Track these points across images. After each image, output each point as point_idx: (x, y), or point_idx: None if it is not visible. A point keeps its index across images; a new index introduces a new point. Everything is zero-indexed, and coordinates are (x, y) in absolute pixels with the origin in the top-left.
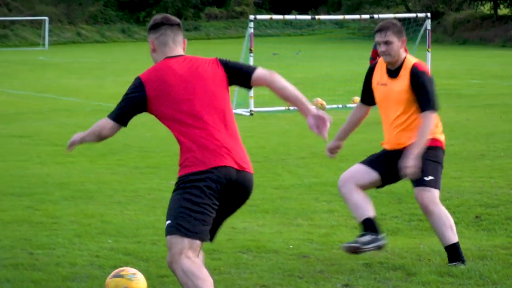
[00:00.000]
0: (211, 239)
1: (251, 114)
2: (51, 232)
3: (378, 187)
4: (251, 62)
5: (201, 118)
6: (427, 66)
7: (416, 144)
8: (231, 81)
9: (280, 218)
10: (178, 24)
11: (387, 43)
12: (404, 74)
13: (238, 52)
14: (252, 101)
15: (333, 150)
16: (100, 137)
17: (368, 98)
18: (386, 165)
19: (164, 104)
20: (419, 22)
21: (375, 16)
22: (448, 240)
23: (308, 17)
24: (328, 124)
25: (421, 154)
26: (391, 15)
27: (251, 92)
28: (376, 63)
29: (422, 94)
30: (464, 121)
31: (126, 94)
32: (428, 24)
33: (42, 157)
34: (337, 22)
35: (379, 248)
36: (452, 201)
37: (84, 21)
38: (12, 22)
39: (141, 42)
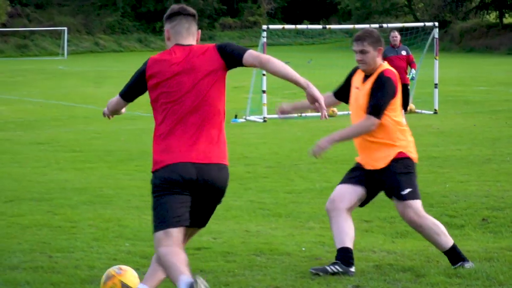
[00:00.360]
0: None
1: (265, 121)
2: (70, 236)
3: (362, 203)
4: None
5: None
6: (397, 75)
7: (340, 132)
8: (228, 66)
9: (292, 221)
10: (193, 15)
11: (362, 52)
12: (372, 79)
13: None
14: (265, 108)
15: (283, 112)
16: (112, 111)
17: (340, 93)
18: (363, 176)
19: (153, 88)
20: (427, 31)
21: (384, 25)
22: (445, 246)
23: (319, 26)
24: (323, 104)
25: (389, 170)
26: (400, 25)
27: (264, 99)
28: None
29: (373, 96)
30: (471, 126)
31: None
32: (435, 33)
33: (60, 163)
34: (347, 31)
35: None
36: (459, 204)
37: (102, 31)
38: (32, 32)
39: (157, 51)
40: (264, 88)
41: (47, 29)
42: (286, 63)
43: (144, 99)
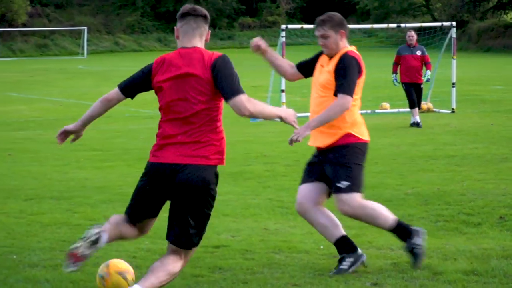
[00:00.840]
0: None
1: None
2: None
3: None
4: None
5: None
6: (360, 57)
7: (317, 118)
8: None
9: None
10: (203, 16)
11: (323, 36)
12: (336, 59)
13: None
14: (284, 107)
15: (258, 48)
16: (104, 103)
17: (304, 67)
18: (318, 170)
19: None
20: (444, 31)
21: (402, 25)
22: (391, 225)
23: None
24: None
25: (332, 155)
26: (418, 24)
27: (283, 98)
28: None
29: (339, 75)
30: (488, 125)
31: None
32: (453, 32)
33: (81, 162)
34: (365, 31)
35: (363, 264)
36: (476, 202)
37: (121, 30)
38: (52, 32)
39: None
40: (283, 87)
41: (67, 29)
42: None
43: None
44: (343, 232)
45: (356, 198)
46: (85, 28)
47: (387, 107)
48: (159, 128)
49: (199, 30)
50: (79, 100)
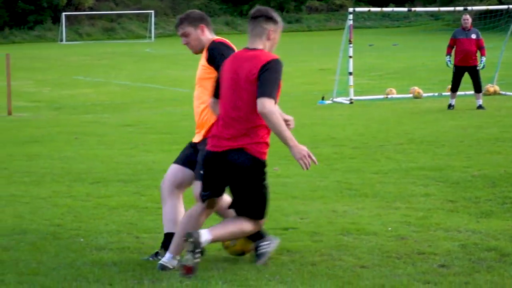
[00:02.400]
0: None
1: (351, 103)
2: (157, 217)
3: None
4: (350, 52)
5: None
6: (228, 41)
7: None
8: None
9: (379, 201)
10: (259, 16)
11: (184, 35)
12: (205, 51)
13: (338, 43)
14: (351, 90)
15: None
16: None
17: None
18: (192, 155)
19: None
20: (511, 14)
21: (469, 8)
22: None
23: (404, 9)
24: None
25: (201, 143)
26: (484, 7)
27: (351, 81)
28: None
29: (216, 64)
30: None
31: None
32: None
33: (147, 145)
34: (432, 14)
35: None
36: None
37: None
38: (119, 16)
39: (244, 35)
40: (351, 70)
41: (134, 12)
42: (370, 45)
43: None
44: (174, 231)
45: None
46: (152, 11)
47: (394, 93)
48: None
49: (256, 31)
50: (146, 83)
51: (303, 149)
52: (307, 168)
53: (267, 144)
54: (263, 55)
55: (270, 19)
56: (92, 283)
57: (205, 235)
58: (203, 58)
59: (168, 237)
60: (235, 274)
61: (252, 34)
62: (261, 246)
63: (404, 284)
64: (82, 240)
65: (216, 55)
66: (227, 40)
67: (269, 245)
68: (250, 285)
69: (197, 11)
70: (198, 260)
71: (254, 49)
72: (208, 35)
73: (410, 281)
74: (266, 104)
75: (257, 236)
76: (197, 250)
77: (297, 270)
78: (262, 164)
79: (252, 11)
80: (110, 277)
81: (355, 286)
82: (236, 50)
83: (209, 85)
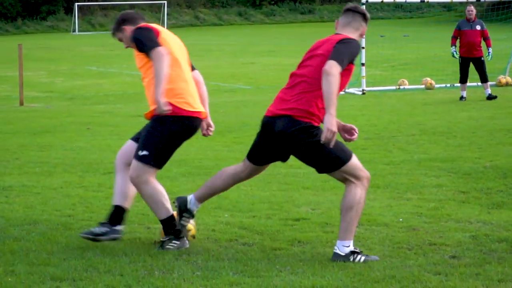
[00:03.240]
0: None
1: (363, 93)
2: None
3: None
4: (362, 43)
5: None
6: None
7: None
8: None
9: (390, 192)
10: (359, 13)
11: (120, 41)
12: (132, 45)
13: None
14: (364, 81)
15: None
16: None
17: None
18: None
19: None
20: None
21: None
22: (160, 216)
23: (417, 0)
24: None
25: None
26: None
27: (363, 72)
28: None
29: (140, 46)
30: None
31: None
32: None
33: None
34: (445, 5)
35: (113, 239)
36: None
37: (202, 4)
38: (132, 6)
39: (257, 25)
40: (363, 61)
41: (147, 3)
42: (381, 36)
43: (244, 72)
44: (126, 204)
45: (150, 171)
46: (165, 2)
47: (406, 83)
48: None
49: (344, 20)
50: None
51: (335, 125)
52: (325, 141)
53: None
54: (345, 34)
55: (366, 20)
56: (103, 274)
57: (340, 248)
58: (133, 50)
59: (117, 209)
60: (245, 265)
61: (347, 25)
62: (172, 241)
63: (415, 275)
64: None
65: (135, 41)
66: (144, 24)
67: (175, 246)
68: (261, 276)
69: (120, 15)
70: (363, 257)
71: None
72: (131, 29)
73: (421, 272)
74: (333, 66)
75: (177, 232)
76: (352, 259)
77: (308, 261)
78: None
79: (352, 5)
80: (121, 267)
81: (366, 277)
82: (155, 28)
83: (148, 68)
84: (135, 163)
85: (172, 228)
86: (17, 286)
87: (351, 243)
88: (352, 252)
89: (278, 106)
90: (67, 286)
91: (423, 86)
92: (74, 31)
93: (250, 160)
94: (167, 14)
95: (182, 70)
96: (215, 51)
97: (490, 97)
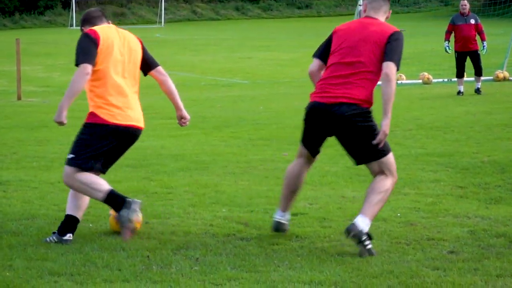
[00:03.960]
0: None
1: None
2: (166, 202)
3: None
4: None
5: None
6: (93, 30)
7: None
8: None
9: None
10: None
11: None
12: None
13: None
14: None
15: None
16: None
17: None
18: None
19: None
20: None
21: None
22: (103, 197)
23: None
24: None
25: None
26: None
27: None
28: None
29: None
30: None
31: None
32: None
33: (157, 130)
34: (442, 0)
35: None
36: None
37: None
38: (129, 1)
39: (254, 20)
40: None
41: None
42: (402, 31)
43: (241, 67)
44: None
45: (71, 172)
46: None
47: (403, 78)
48: None
49: (373, 4)
50: None
51: (388, 129)
52: (377, 142)
53: None
54: (389, 25)
55: (389, 3)
56: (100, 268)
57: (361, 222)
58: None
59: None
60: (243, 260)
61: (380, 9)
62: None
63: (413, 270)
64: (91, 225)
65: (75, 49)
66: (89, 30)
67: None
68: (259, 271)
69: (83, 14)
70: (370, 245)
71: (377, 19)
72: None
73: (419, 267)
74: (393, 69)
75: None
76: (363, 238)
77: (306, 256)
78: None
79: None
80: (118, 262)
81: (364, 272)
82: (98, 36)
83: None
84: (65, 167)
85: (117, 200)
86: (15, 281)
87: (369, 224)
88: (367, 235)
89: (337, 92)
90: (65, 281)
91: (420, 81)
92: (71, 25)
93: (307, 148)
94: (165, 8)
95: (118, 78)
96: (212, 46)
97: (478, 92)
